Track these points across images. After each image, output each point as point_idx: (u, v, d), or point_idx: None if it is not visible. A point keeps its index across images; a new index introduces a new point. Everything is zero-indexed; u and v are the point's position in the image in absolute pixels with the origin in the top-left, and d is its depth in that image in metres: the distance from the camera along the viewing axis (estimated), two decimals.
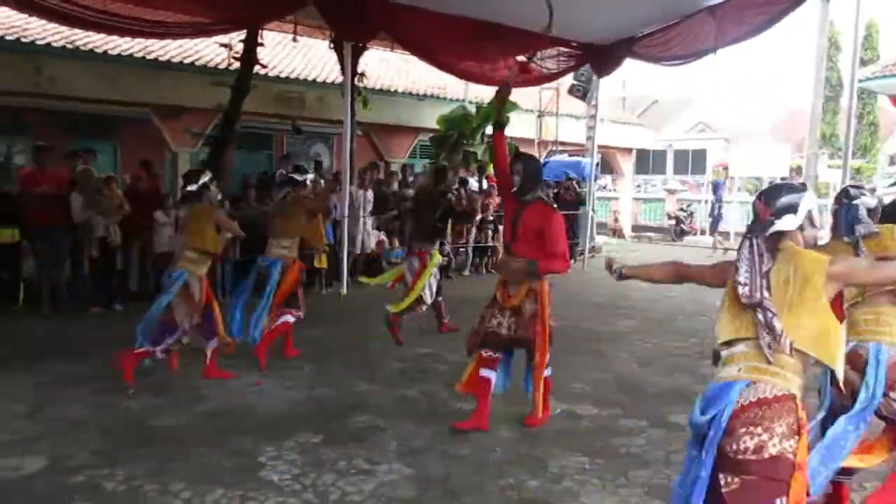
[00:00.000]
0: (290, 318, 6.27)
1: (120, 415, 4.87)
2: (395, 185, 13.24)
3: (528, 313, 4.65)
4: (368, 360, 6.48)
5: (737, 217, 19.02)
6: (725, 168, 24.47)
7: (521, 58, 11.89)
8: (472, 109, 14.16)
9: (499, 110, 5.29)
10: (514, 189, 4.74)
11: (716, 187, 18.57)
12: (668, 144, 28.49)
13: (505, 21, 10.77)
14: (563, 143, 18.39)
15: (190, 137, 12.19)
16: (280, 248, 6.21)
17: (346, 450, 4.28)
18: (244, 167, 13.90)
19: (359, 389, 5.56)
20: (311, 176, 6.51)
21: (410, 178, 13.81)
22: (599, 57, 12.13)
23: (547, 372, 4.83)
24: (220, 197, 6.32)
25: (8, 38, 10.22)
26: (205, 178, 5.77)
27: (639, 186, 27.61)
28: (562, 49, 12.15)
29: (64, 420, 4.74)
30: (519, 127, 15.39)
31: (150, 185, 9.67)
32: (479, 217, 13.03)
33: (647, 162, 26.38)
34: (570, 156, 18.58)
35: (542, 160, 17.36)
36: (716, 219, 17.91)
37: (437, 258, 7.41)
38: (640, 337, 7.78)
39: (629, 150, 21.35)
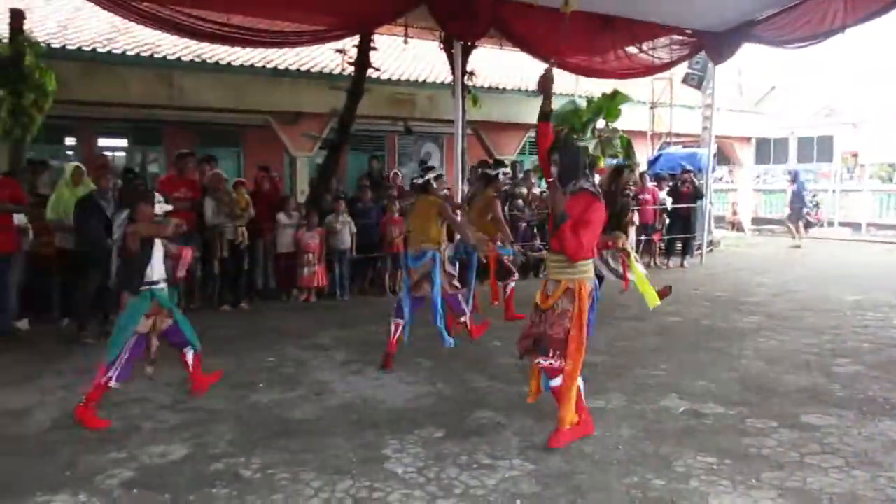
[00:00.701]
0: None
1: (253, 407, 5.13)
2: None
3: (558, 310, 4.35)
4: (487, 357, 6.53)
5: (869, 205, 17.85)
6: (855, 155, 23.00)
7: (631, 49, 11.66)
8: (583, 103, 13.96)
9: (544, 99, 4.72)
10: (553, 179, 4.50)
11: (795, 177, 17.39)
12: (790, 132, 27.07)
13: (617, 12, 10.62)
14: (677, 135, 17.84)
15: (307, 141, 12.65)
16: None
17: (468, 444, 4.34)
18: (357, 168, 14.33)
19: (478, 385, 5.62)
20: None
21: (520, 175, 13.78)
22: (715, 43, 11.71)
23: (579, 382, 4.42)
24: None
25: (143, 54, 10.96)
26: (430, 175, 6.56)
27: (758, 177, 26.36)
28: (675, 37, 11.82)
29: (202, 410, 5.05)
30: (631, 119, 14.99)
31: (271, 189, 10.11)
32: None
33: (768, 151, 25.20)
34: (685, 147, 18.00)
35: (655, 152, 16.92)
36: (795, 210, 16.77)
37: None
38: (766, 334, 7.45)
39: (748, 139, 20.43)
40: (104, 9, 8.37)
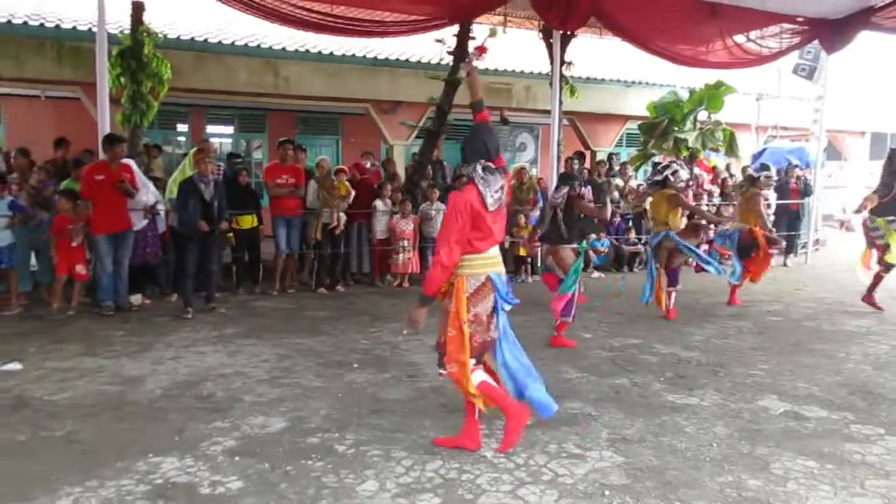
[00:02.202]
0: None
1: (348, 386, 5.29)
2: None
3: (445, 311, 4.01)
4: (577, 348, 6.49)
5: None
6: None
7: (739, 38, 11.24)
8: (684, 94, 13.60)
9: (472, 90, 4.21)
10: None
11: None
12: None
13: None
14: (784, 128, 17.11)
15: (405, 130, 12.85)
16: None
17: (558, 433, 4.34)
18: (453, 157, 14.43)
19: (568, 376, 5.60)
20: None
21: (617, 167, 13.56)
22: (829, 32, 11.12)
23: (487, 378, 4.04)
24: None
25: (250, 44, 11.40)
26: (668, 171, 7.80)
27: (872, 174, 24.87)
28: (785, 26, 11.30)
29: (299, 386, 5.24)
30: (734, 111, 14.52)
31: (371, 176, 10.33)
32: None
33: (884, 145, 23.73)
34: (792, 141, 17.23)
35: (760, 146, 16.26)
36: None
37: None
38: (875, 338, 7.07)
39: (861, 134, 19.35)
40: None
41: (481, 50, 4.43)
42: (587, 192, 7.74)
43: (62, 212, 7.65)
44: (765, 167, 9.24)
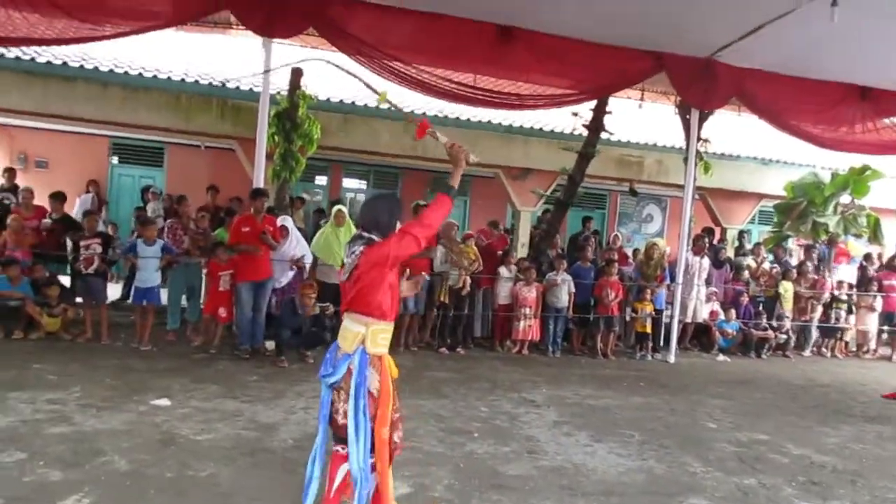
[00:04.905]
0: None
1: (469, 456, 5.36)
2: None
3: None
4: (701, 438, 6.30)
5: None
6: None
7: (888, 120, 10.80)
8: (826, 175, 13.11)
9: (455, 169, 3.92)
10: None
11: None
12: None
13: (874, 83, 9.94)
14: None
15: (533, 197, 13.03)
16: None
17: None
18: (575, 224, 14.48)
19: (692, 469, 5.45)
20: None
21: (748, 246, 13.16)
22: None
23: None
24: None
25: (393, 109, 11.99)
26: None
27: None
28: None
29: (422, 451, 5.37)
30: (881, 195, 13.79)
31: (499, 242, 10.54)
32: (826, 293, 11.94)
33: None
34: None
35: None
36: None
37: None
38: None
39: None
40: (363, 66, 9.22)
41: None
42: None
43: (216, 258, 8.27)
44: None
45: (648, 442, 6.08)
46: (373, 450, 3.52)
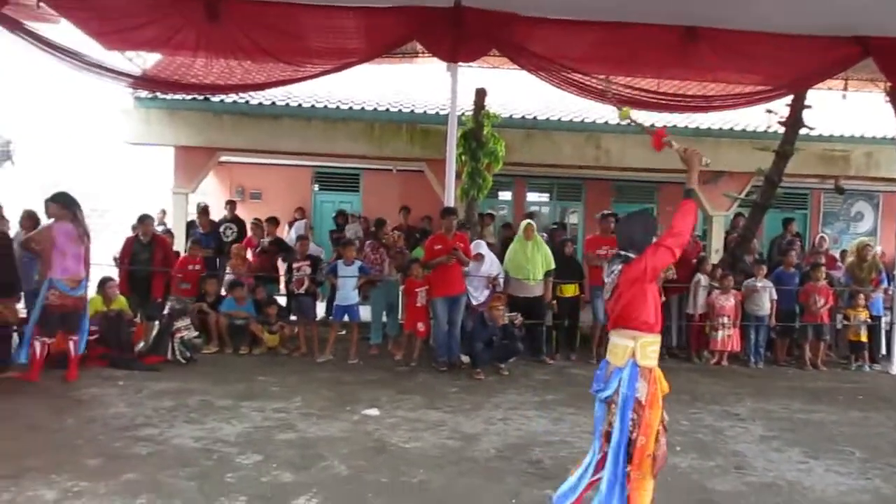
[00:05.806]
0: None
1: (672, 470, 5.20)
2: None
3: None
4: None
5: None
6: None
7: None
8: None
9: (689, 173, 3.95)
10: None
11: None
12: None
13: None
14: None
15: (725, 201, 12.47)
16: None
17: None
18: (773, 227, 13.61)
19: None
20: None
21: None
22: None
23: None
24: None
25: (575, 120, 12.07)
26: None
27: None
28: None
29: None
30: None
31: (692, 249, 10.20)
32: None
33: None
34: None
35: None
36: None
37: None
38: None
39: None
40: (544, 80, 9.28)
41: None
42: None
43: (413, 276, 8.75)
44: None
45: (871, 460, 5.64)
46: (630, 460, 3.58)
